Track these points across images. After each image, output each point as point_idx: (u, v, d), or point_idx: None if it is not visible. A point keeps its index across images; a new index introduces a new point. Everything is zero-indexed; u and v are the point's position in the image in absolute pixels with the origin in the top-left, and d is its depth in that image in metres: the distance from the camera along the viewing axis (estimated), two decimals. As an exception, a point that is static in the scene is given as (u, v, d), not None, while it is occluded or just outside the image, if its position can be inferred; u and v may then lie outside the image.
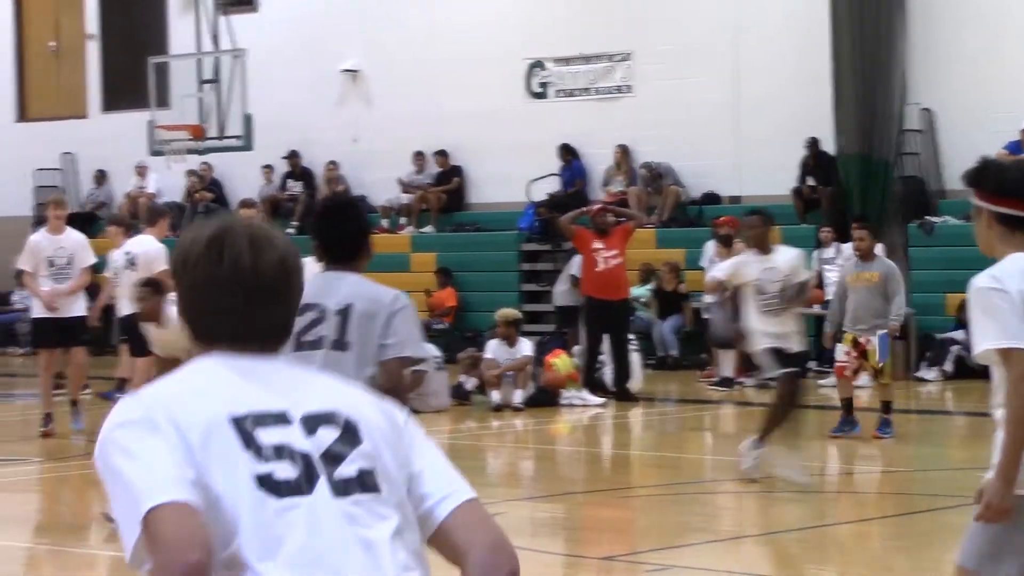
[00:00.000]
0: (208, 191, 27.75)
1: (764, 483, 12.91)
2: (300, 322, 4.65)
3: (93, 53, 30.42)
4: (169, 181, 27.86)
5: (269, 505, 2.54)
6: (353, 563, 2.58)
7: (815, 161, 23.41)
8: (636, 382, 19.83)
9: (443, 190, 27.12)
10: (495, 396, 18.59)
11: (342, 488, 2.64)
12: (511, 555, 2.75)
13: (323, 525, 2.59)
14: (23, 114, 31.71)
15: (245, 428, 2.63)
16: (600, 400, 19.06)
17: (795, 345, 13.48)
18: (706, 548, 11.05)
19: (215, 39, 25.66)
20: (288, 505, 2.55)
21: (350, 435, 2.73)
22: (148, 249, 15.92)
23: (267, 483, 2.56)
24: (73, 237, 17.37)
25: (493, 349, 19.35)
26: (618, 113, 25.50)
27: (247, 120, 24.73)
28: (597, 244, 19.78)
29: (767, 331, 13.55)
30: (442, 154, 26.82)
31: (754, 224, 13.83)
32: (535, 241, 25.41)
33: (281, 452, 2.64)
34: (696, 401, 20.37)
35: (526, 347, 19.70)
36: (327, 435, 2.70)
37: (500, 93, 26.60)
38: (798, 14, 24.02)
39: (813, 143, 23.48)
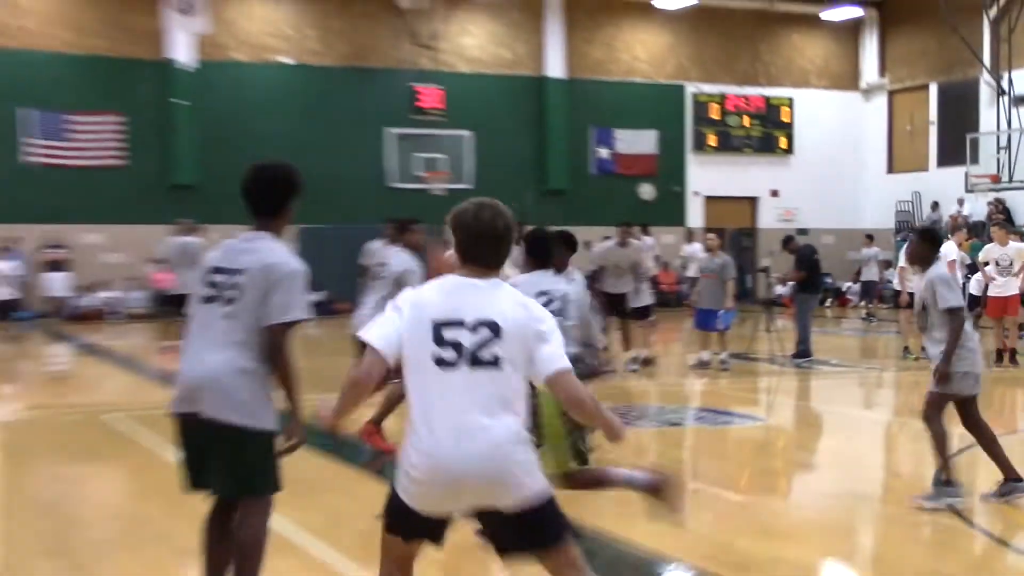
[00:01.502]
0: (1002, 214, 28.04)
1: None
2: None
3: (933, 133, 33.72)
4: (976, 208, 30.31)
5: (436, 372, 4.21)
6: (470, 401, 4.19)
7: None
8: None
9: None
10: None
11: (480, 363, 4.20)
12: (571, 396, 4.34)
13: (459, 384, 4.20)
14: (890, 168, 35.18)
15: (438, 329, 4.23)
16: None
17: None
18: None
19: (1009, 121, 29.76)
20: (446, 373, 4.20)
21: (495, 333, 4.23)
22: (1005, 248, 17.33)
23: (439, 360, 4.19)
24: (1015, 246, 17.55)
25: None
26: None
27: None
28: None
29: None
30: None
31: None
32: None
33: (451, 344, 4.21)
34: None
35: None
36: (483, 334, 4.22)
37: None
38: None
39: None
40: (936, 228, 8.17)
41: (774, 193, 34.50)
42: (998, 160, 29.69)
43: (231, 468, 5.08)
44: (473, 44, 31.87)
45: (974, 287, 18.78)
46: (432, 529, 4.32)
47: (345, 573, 6.53)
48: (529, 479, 4.23)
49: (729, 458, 10.45)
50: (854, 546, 7.55)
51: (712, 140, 33.92)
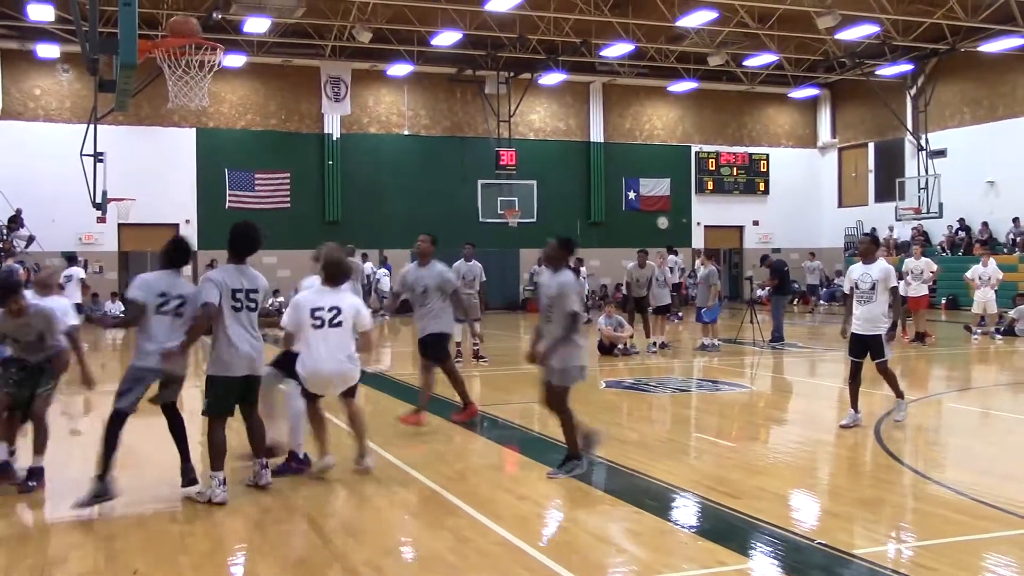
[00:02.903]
0: (922, 236, 28.33)
1: None
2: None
3: (871, 178, 32.51)
4: (903, 232, 29.70)
5: (314, 329, 6.53)
6: (333, 345, 6.48)
7: None
8: None
9: None
10: None
11: (333, 325, 6.50)
12: (367, 342, 6.71)
13: (327, 336, 6.48)
14: (840, 203, 34.19)
15: (314, 312, 6.51)
16: None
17: None
18: None
19: (927, 169, 28.47)
20: (319, 330, 6.52)
21: (338, 312, 6.51)
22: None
23: (314, 324, 6.54)
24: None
25: None
26: None
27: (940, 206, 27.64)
28: None
29: None
30: None
31: None
32: None
33: (320, 317, 6.50)
34: None
35: None
36: (333, 312, 6.48)
37: None
38: None
39: None
40: (572, 237, 7.02)
41: (755, 223, 34.20)
42: (918, 197, 29.41)
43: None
44: (538, 118, 31.95)
45: (901, 289, 18.62)
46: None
47: (445, 496, 6.48)
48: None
49: (723, 415, 10.34)
50: (816, 479, 7.46)
51: (710, 185, 33.68)
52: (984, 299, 18.39)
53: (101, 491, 5.98)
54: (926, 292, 17.93)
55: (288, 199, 28.86)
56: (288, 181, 28.85)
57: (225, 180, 28.27)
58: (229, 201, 28.30)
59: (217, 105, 28.11)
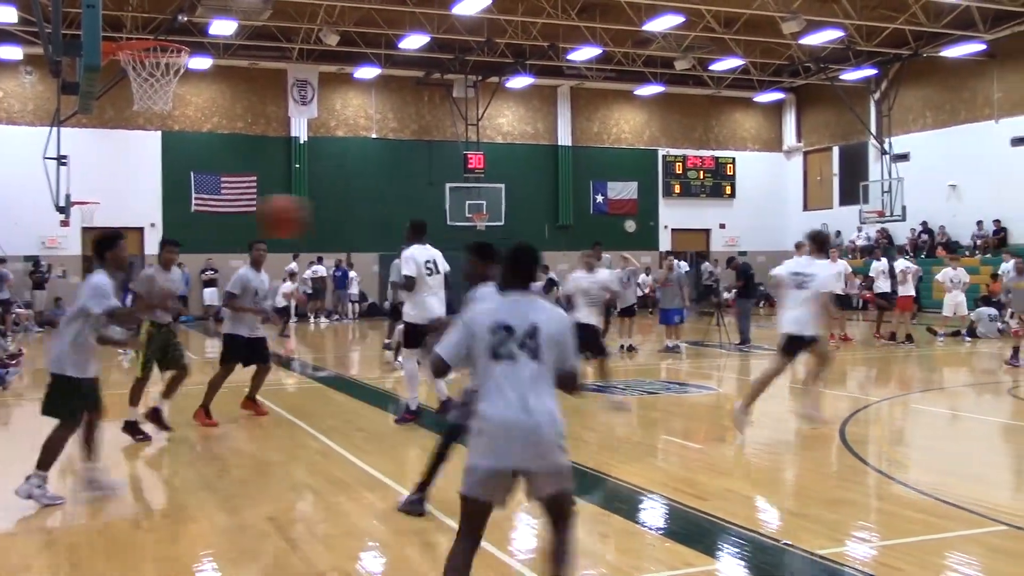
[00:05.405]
0: (886, 239, 29.05)
1: None
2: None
3: (836, 182, 33.10)
4: (869, 234, 30.33)
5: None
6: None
7: None
8: None
9: None
10: None
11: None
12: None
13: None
14: (805, 207, 34.46)
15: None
16: None
17: None
18: None
19: (890, 172, 28.75)
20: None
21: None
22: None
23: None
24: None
25: None
26: None
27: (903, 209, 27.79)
28: None
29: None
30: None
31: None
32: None
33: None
34: None
35: None
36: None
37: None
38: None
39: None
40: None
41: (722, 226, 34.31)
42: (882, 200, 29.58)
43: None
44: (506, 122, 32.02)
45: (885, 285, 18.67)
46: None
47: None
48: None
49: (690, 417, 10.38)
50: (782, 481, 7.51)
51: (677, 188, 33.84)
52: (954, 302, 18.59)
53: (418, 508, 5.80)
54: (912, 293, 17.83)
55: (255, 202, 28.67)
56: (255, 184, 28.72)
57: (191, 183, 28.11)
58: (195, 204, 28.14)
59: (183, 108, 27.89)
